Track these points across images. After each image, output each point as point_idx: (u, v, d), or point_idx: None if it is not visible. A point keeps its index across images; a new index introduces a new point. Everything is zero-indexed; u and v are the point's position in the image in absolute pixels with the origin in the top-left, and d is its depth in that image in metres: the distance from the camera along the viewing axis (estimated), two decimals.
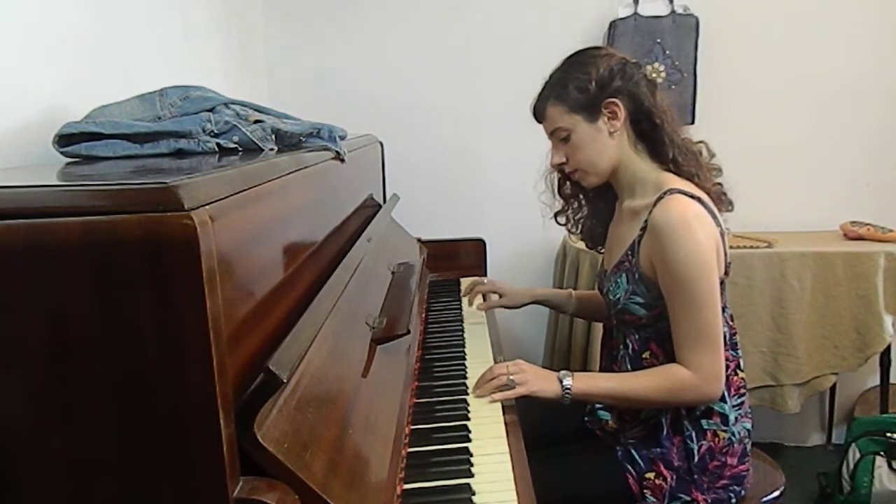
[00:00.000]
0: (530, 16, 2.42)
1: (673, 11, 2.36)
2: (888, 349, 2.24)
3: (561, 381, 1.23)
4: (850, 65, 2.39)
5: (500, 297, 1.66)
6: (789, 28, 2.39)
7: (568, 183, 1.45)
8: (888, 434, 2.06)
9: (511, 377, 1.23)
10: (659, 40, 2.35)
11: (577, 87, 1.27)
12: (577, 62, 1.31)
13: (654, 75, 2.36)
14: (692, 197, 1.22)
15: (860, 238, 2.26)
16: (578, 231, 1.52)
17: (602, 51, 1.32)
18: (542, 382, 1.24)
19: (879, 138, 2.44)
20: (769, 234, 2.30)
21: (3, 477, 0.60)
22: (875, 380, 2.40)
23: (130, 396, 0.58)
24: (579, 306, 1.63)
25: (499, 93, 2.38)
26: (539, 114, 1.35)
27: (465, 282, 2.06)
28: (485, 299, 1.68)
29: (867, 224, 2.28)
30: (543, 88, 1.34)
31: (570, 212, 1.49)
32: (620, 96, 1.27)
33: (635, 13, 2.36)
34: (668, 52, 2.36)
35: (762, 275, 2.17)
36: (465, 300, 1.72)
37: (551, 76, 1.33)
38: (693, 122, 2.38)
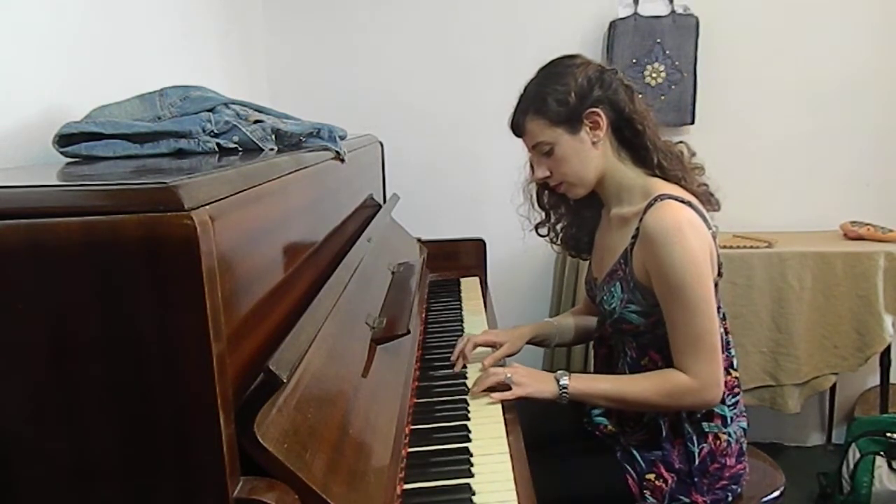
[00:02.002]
0: (530, 16, 2.43)
1: (673, 11, 2.36)
2: (888, 349, 2.24)
3: (558, 381, 1.23)
4: (850, 65, 2.39)
5: (499, 346, 1.43)
6: (789, 28, 2.39)
7: (547, 193, 1.43)
8: (888, 434, 2.06)
9: (508, 375, 1.23)
10: (659, 40, 2.35)
11: (556, 99, 1.25)
12: (554, 73, 1.28)
13: (652, 75, 2.36)
14: (683, 202, 1.21)
15: (860, 238, 2.26)
16: (559, 242, 1.49)
17: (577, 59, 1.30)
18: (539, 384, 1.24)
19: (879, 138, 2.44)
20: (769, 234, 2.30)
21: (3, 477, 0.60)
22: (875, 380, 2.40)
23: (130, 396, 0.58)
24: (565, 331, 1.52)
25: (499, 93, 2.36)
26: (518, 128, 1.32)
27: (465, 282, 2.07)
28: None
29: (867, 224, 2.28)
30: (520, 102, 1.31)
31: (551, 223, 1.47)
32: (601, 105, 1.25)
33: (635, 13, 2.36)
34: (668, 52, 2.35)
35: (762, 275, 2.17)
36: (459, 358, 1.40)
37: (527, 89, 1.30)
38: (693, 122, 2.39)
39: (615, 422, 1.32)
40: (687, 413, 1.25)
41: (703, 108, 2.38)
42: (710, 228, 1.23)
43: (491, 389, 1.24)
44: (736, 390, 1.31)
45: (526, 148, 1.35)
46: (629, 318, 1.26)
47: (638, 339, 1.28)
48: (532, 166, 1.37)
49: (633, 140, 1.28)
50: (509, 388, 1.23)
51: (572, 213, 1.45)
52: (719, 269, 1.28)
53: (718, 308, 1.27)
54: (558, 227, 1.47)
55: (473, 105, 2.47)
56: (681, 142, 1.36)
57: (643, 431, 1.28)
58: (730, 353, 1.30)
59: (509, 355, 1.44)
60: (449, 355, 1.42)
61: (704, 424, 1.25)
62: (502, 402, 1.22)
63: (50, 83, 1.18)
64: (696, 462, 1.24)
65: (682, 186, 1.26)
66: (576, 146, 1.27)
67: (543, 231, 1.49)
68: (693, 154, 1.36)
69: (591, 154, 1.27)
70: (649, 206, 1.21)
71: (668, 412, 1.25)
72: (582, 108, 1.25)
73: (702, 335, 1.18)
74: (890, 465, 2.02)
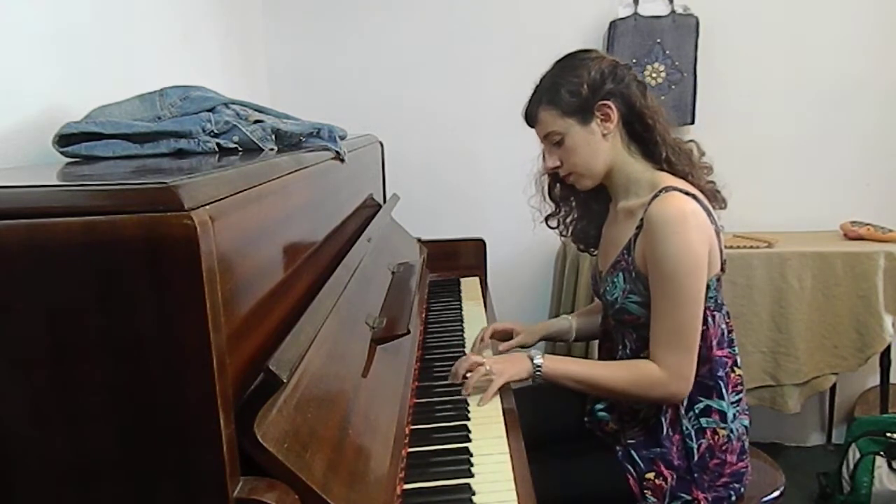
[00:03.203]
0: (530, 16, 2.43)
1: (673, 11, 2.36)
2: (888, 349, 2.24)
3: (532, 360, 1.25)
4: (850, 64, 2.39)
5: (516, 334, 1.54)
6: (789, 28, 2.39)
7: (559, 185, 1.44)
8: (888, 434, 2.06)
9: (488, 368, 1.24)
10: (659, 40, 2.35)
11: (569, 90, 1.27)
12: (569, 66, 1.31)
13: (652, 75, 2.36)
14: (688, 194, 1.22)
15: (860, 238, 2.26)
16: (570, 234, 1.51)
17: (592, 53, 1.32)
18: (514, 366, 1.26)
19: (880, 138, 2.44)
20: (769, 234, 2.30)
21: (3, 477, 0.60)
22: (875, 380, 2.40)
23: (130, 396, 0.58)
24: (579, 329, 1.57)
25: (499, 92, 2.38)
26: (531, 118, 1.35)
27: (465, 282, 2.07)
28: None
29: (867, 224, 2.28)
30: (534, 93, 1.33)
31: (561, 214, 1.49)
32: (613, 98, 1.27)
33: (635, 13, 2.36)
34: (668, 52, 2.35)
35: (762, 275, 2.17)
36: (471, 339, 1.55)
37: (542, 80, 1.33)
38: (693, 122, 2.39)
39: (616, 418, 1.33)
40: (685, 409, 1.26)
41: (703, 108, 2.38)
42: (713, 224, 1.24)
43: (482, 389, 1.24)
44: (739, 388, 1.31)
45: (538, 138, 1.37)
46: (630, 309, 1.27)
47: (638, 330, 1.29)
48: (544, 157, 1.39)
49: (643, 134, 1.29)
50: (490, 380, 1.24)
51: (581, 206, 1.47)
52: (722, 265, 1.28)
53: (721, 305, 1.28)
54: (567, 219, 1.49)
55: (473, 105, 2.47)
56: (691, 140, 1.37)
57: (641, 427, 1.29)
58: (733, 350, 1.31)
59: (523, 347, 1.50)
60: (449, 355, 1.43)
61: (703, 420, 1.26)
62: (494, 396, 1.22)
63: (50, 83, 1.17)
64: (696, 458, 1.24)
65: (689, 182, 1.28)
66: (586, 137, 1.28)
67: (553, 223, 1.51)
68: (703, 153, 1.37)
69: (600, 146, 1.29)
70: (655, 196, 1.22)
71: (641, 402, 1.27)
72: (594, 99, 1.27)
73: (680, 329, 1.19)
74: (890, 465, 2.02)
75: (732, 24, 2.38)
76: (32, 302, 0.57)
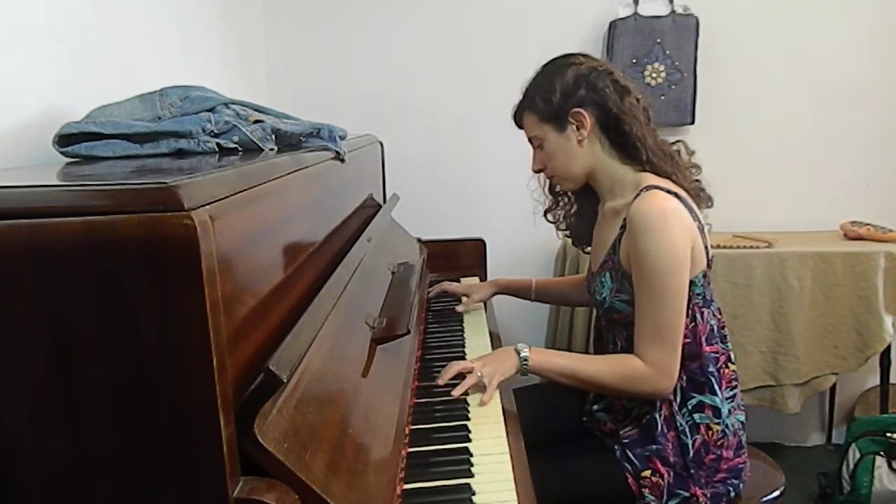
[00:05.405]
0: (530, 16, 2.43)
1: (673, 11, 2.36)
2: (888, 349, 2.23)
3: (519, 353, 1.26)
4: (851, 64, 2.39)
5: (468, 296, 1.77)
6: (789, 28, 2.39)
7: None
8: (888, 434, 2.06)
9: (480, 374, 1.24)
10: (659, 40, 2.35)
11: (543, 98, 1.30)
12: (546, 72, 1.33)
13: (652, 75, 2.36)
14: (669, 192, 1.23)
15: (860, 238, 2.26)
16: (566, 229, 1.54)
17: (571, 59, 1.32)
18: (502, 364, 1.26)
19: (880, 138, 2.44)
20: (769, 234, 2.30)
21: (3, 477, 0.60)
22: (875, 380, 2.40)
23: (130, 396, 0.58)
24: (539, 293, 1.75)
25: (499, 92, 2.36)
26: (517, 121, 1.39)
27: (465, 282, 2.07)
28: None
29: (867, 224, 2.28)
30: (521, 97, 1.36)
31: (558, 209, 1.52)
32: (586, 105, 1.28)
33: (635, 13, 2.36)
34: (668, 52, 2.35)
35: (762, 275, 2.17)
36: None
37: (527, 85, 1.35)
38: (693, 122, 2.39)
39: (613, 418, 1.33)
40: (678, 405, 1.26)
41: (703, 108, 2.38)
42: (696, 221, 1.25)
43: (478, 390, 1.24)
44: (734, 383, 1.31)
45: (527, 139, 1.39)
46: (618, 307, 1.28)
47: (628, 329, 1.29)
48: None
49: (621, 139, 1.30)
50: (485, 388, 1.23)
51: (574, 204, 1.49)
52: (709, 261, 1.29)
53: (711, 301, 1.28)
54: (564, 214, 1.52)
55: (473, 105, 2.47)
56: (678, 141, 1.38)
57: (635, 425, 1.29)
58: (726, 346, 1.31)
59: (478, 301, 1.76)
60: (449, 355, 1.43)
61: (696, 416, 1.26)
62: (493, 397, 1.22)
63: (50, 83, 1.17)
64: (691, 454, 1.25)
65: (672, 181, 1.28)
66: (562, 143, 1.30)
67: (551, 217, 1.54)
68: (692, 153, 1.37)
69: (576, 151, 1.30)
70: (637, 196, 1.23)
71: (628, 396, 1.28)
72: (566, 107, 1.28)
73: (664, 325, 1.19)
74: (890, 465, 2.02)
75: (732, 24, 2.38)
76: (32, 302, 0.57)
